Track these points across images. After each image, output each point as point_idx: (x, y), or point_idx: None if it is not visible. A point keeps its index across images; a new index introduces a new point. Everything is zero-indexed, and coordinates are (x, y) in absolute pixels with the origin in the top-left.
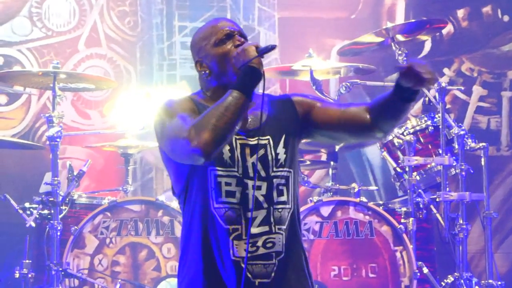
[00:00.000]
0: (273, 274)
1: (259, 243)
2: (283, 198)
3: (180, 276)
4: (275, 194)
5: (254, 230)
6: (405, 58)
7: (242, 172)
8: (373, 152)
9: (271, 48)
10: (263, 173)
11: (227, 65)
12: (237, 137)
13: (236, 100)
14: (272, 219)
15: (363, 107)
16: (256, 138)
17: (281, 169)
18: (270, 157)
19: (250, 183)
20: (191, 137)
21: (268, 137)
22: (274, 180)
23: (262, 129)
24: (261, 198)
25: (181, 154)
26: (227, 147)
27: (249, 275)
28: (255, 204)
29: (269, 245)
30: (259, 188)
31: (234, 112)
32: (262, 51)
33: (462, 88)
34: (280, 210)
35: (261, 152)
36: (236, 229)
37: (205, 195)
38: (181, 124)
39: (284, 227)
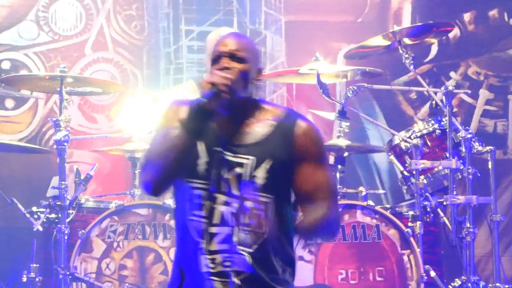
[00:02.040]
0: None
1: (218, 261)
2: (254, 221)
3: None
4: (244, 215)
5: (213, 246)
6: (412, 62)
7: (215, 186)
8: (380, 156)
9: (214, 94)
10: (235, 191)
11: None
12: (218, 150)
13: (178, 138)
14: (234, 239)
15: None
16: (238, 155)
17: (255, 192)
18: (245, 177)
19: (221, 198)
20: (142, 169)
21: (252, 158)
22: (246, 202)
23: (248, 148)
24: (228, 216)
25: None
26: (203, 159)
27: None
28: (220, 221)
29: (227, 263)
30: (228, 204)
31: (174, 150)
32: (208, 95)
33: (469, 91)
34: (246, 232)
35: (238, 170)
36: (201, 243)
37: (182, 207)
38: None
39: (250, 250)
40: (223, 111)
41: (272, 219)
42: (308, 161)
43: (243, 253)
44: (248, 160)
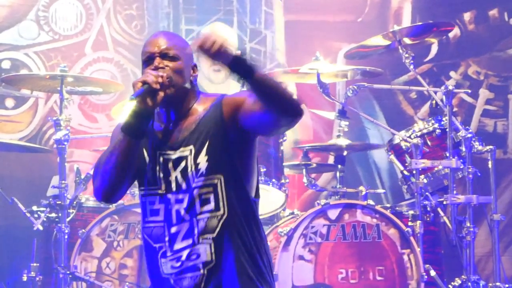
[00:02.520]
0: (202, 285)
1: (183, 257)
2: (209, 206)
3: None
4: (197, 205)
5: (177, 245)
6: (412, 61)
7: (165, 188)
8: (380, 155)
9: (144, 92)
10: (184, 186)
11: None
12: (162, 152)
13: (121, 142)
14: (195, 231)
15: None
16: (180, 150)
17: (202, 178)
18: (190, 169)
19: (172, 197)
20: (93, 178)
21: (190, 147)
22: (195, 191)
23: (185, 140)
24: (182, 212)
25: None
26: (149, 165)
27: None
28: (177, 219)
29: (193, 257)
30: (181, 201)
31: (118, 155)
32: (137, 93)
33: (469, 91)
34: (205, 219)
35: (182, 164)
36: (161, 247)
37: (142, 217)
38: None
39: (213, 235)
40: (161, 109)
41: (226, 197)
42: (242, 101)
43: (206, 240)
44: (187, 151)
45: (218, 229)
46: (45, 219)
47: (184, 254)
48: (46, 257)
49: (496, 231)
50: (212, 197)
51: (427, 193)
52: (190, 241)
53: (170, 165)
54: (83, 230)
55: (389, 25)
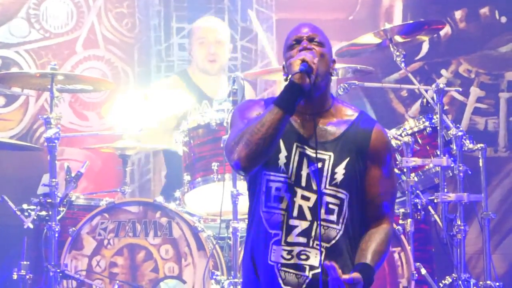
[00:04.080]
0: (304, 286)
1: (294, 253)
2: (332, 217)
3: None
4: (322, 210)
5: (291, 238)
6: (403, 59)
7: (294, 179)
8: None
9: (309, 69)
10: (314, 186)
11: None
12: (299, 145)
13: (273, 115)
14: (312, 233)
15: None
16: (318, 151)
17: (334, 188)
18: (325, 173)
19: (299, 192)
20: (230, 151)
21: (330, 153)
22: (325, 197)
23: (327, 144)
24: (306, 210)
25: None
26: (284, 154)
27: (280, 281)
28: (298, 213)
29: (303, 257)
30: (307, 199)
31: (269, 127)
32: (302, 68)
33: (460, 89)
34: (325, 227)
35: (318, 165)
36: (277, 234)
37: (258, 199)
38: (233, 135)
39: (328, 245)
40: (302, 101)
41: (348, 215)
42: (379, 166)
43: (320, 248)
44: (327, 156)
45: (333, 241)
46: (35, 217)
47: (296, 250)
48: (36, 255)
49: (486, 229)
50: (336, 209)
51: (417, 191)
52: (305, 240)
53: (305, 160)
54: (74, 228)
55: (380, 23)
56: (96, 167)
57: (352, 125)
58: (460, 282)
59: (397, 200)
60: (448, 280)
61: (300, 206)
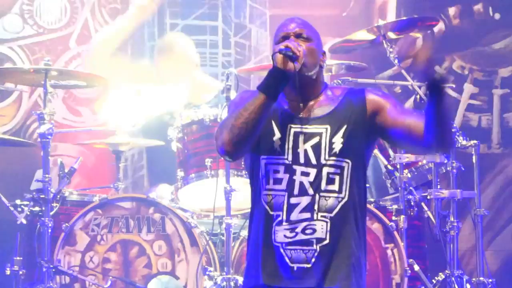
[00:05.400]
0: (313, 260)
1: (298, 229)
2: (333, 187)
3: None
4: (323, 182)
5: (293, 216)
6: (396, 56)
7: (291, 159)
8: None
9: (291, 55)
10: (313, 161)
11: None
12: (292, 125)
13: (256, 100)
14: (315, 206)
15: (421, 121)
16: (313, 126)
17: (334, 158)
18: (323, 145)
19: (298, 169)
20: (216, 136)
21: (326, 126)
22: (324, 168)
23: (321, 118)
24: (307, 185)
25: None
26: (278, 136)
27: (287, 260)
28: (299, 191)
29: (308, 231)
30: (306, 174)
31: (251, 111)
32: (281, 49)
33: (453, 85)
34: (327, 198)
35: (315, 139)
36: (278, 215)
37: (258, 183)
38: (222, 122)
39: (331, 215)
40: (293, 88)
41: (350, 182)
42: (387, 106)
43: (324, 219)
44: (323, 129)
45: (336, 210)
46: (28, 213)
47: (300, 226)
48: (29, 251)
49: (480, 226)
50: (338, 178)
51: (411, 188)
52: (308, 215)
53: (301, 138)
54: (67, 224)
55: (373, 20)
56: (90, 163)
57: (344, 98)
58: (453, 278)
59: (390, 197)
60: (441, 276)
61: (301, 183)
